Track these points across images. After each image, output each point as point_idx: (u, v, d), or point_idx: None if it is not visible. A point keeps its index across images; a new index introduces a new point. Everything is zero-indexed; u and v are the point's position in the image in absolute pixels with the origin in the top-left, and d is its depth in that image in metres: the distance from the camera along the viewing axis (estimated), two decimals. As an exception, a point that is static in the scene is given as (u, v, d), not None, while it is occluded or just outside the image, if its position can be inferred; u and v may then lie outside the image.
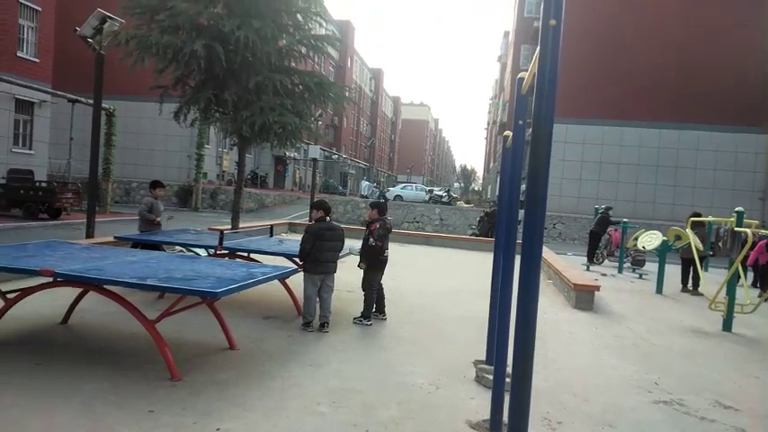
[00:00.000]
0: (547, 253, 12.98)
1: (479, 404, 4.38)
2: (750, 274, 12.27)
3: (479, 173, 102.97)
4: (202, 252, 7.74)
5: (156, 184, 8.59)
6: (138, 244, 7.77)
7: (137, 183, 29.16)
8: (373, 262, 6.73)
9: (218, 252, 7.30)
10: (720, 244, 20.14)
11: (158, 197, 8.51)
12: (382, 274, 6.95)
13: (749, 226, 8.63)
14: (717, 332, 7.91)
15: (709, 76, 26.20)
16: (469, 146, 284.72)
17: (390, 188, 45.68)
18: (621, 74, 27.23)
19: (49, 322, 5.79)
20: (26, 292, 5.07)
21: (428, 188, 46.82)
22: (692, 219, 10.94)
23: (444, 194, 39.92)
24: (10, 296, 5.06)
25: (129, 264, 5.39)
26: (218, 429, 3.64)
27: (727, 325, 7.99)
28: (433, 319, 7.37)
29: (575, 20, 23.34)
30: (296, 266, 6.35)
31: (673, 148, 27.49)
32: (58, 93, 21.70)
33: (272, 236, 9.27)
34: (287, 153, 41.37)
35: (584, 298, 8.69)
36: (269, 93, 10.70)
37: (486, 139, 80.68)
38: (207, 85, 10.89)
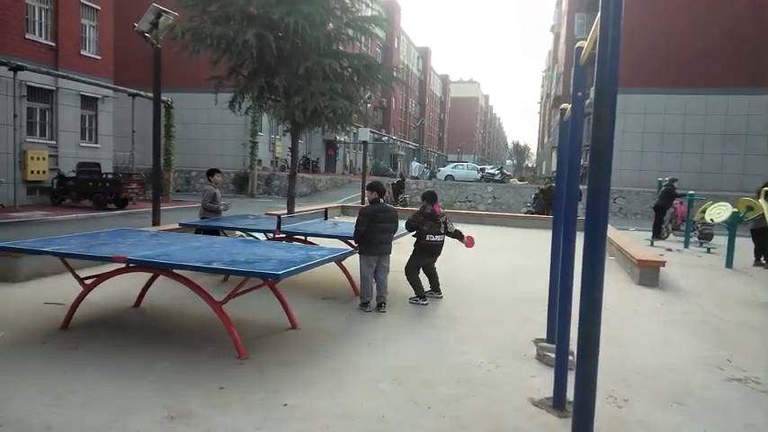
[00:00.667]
0: (608, 229, 12.56)
1: (541, 382, 4.33)
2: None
3: (533, 149, 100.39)
4: (261, 236, 7.97)
5: (213, 172, 8.85)
6: (200, 230, 8.08)
7: (196, 172, 30.19)
8: (420, 244, 6.78)
9: (276, 236, 7.49)
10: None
11: (217, 184, 8.78)
12: (431, 260, 6.97)
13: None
14: (795, 308, 7.46)
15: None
16: (522, 121, 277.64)
17: (441, 168, 45.28)
18: (685, 38, 25.68)
19: (123, 306, 6.13)
20: (101, 278, 5.39)
21: (480, 166, 46.08)
22: (766, 188, 10.29)
23: (497, 172, 39.22)
24: (87, 282, 5.39)
25: (194, 249, 5.62)
26: (284, 405, 3.78)
27: (806, 300, 7.52)
28: (489, 298, 7.31)
29: (632, -17, 22.17)
30: (351, 248, 6.44)
31: (742, 114, 25.79)
32: (119, 88, 22.67)
33: (326, 219, 9.41)
34: (337, 137, 41.72)
35: (648, 274, 8.38)
36: (319, 77, 10.80)
37: (540, 113, 78.43)
38: (259, 74, 11.09)
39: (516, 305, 6.94)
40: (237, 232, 8.59)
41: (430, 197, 7.00)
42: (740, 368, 4.94)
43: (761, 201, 9.87)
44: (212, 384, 4.07)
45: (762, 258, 10.82)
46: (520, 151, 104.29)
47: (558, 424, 3.65)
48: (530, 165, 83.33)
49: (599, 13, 2.82)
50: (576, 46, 3.94)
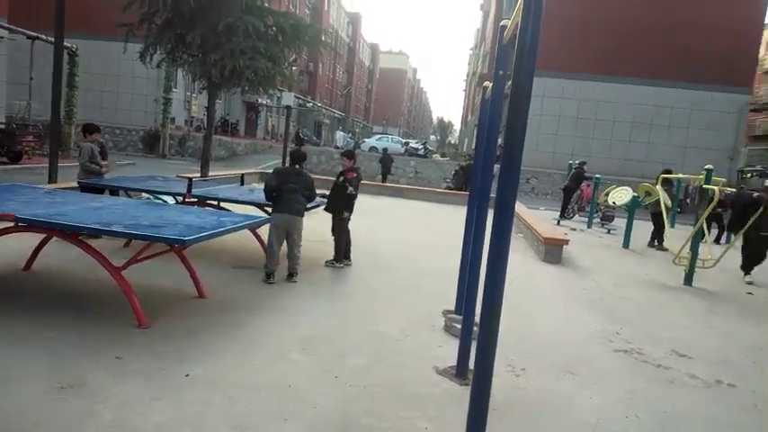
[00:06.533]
0: (519, 207, 13.11)
1: (447, 352, 4.47)
2: (714, 231, 12.64)
3: (456, 126, 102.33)
4: (170, 200, 7.57)
5: (92, 129, 7.71)
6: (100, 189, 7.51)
7: (101, 126, 28.06)
8: (349, 209, 6.93)
9: (186, 200, 7.14)
10: (688, 201, 20.69)
11: (95, 142, 7.66)
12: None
13: (717, 184, 8.81)
14: (678, 286, 8.18)
15: (693, 34, 26.04)
16: (447, 98, 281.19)
17: (366, 139, 45.13)
18: (602, 29, 26.88)
19: (11, 268, 5.64)
20: (-15, 237, 4.90)
21: (404, 140, 46.37)
22: (663, 176, 11.11)
23: (420, 147, 39.65)
24: (-32, 241, 4.88)
25: (93, 210, 5.24)
26: (186, 375, 3.64)
27: (688, 279, 8.26)
28: (405, 270, 7.43)
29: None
30: (267, 215, 6.28)
31: (649, 105, 27.58)
32: (17, 29, 20.43)
33: (242, 185, 9.10)
34: (259, 100, 40.32)
35: (552, 251, 8.85)
36: (240, 35, 10.24)
37: (465, 91, 79.79)
38: (173, 25, 10.35)
39: (430, 277, 7.10)
40: (143, 194, 8.10)
41: (355, 156, 7.30)
42: (627, 340, 5.36)
43: (658, 187, 10.66)
44: (109, 353, 3.85)
45: (655, 240, 11.74)
46: (444, 127, 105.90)
47: (460, 391, 3.79)
48: (452, 141, 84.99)
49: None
50: (501, 24, 3.98)
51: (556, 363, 4.60)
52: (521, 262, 8.43)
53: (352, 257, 7.23)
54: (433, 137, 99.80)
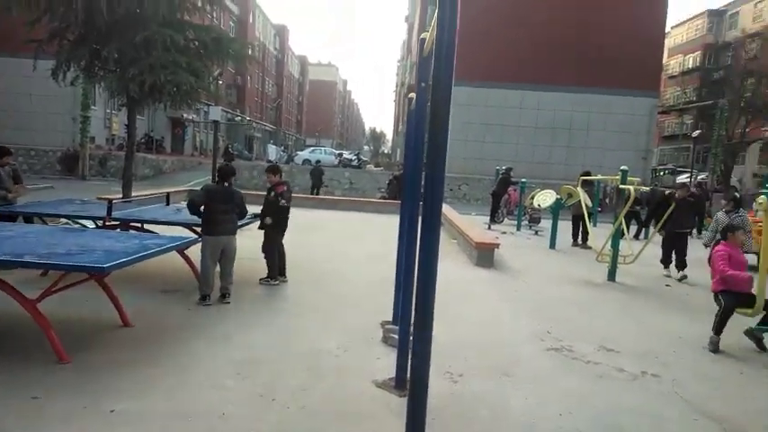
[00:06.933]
0: (451, 213, 13.38)
1: (386, 364, 4.46)
2: (633, 228, 13.41)
3: (389, 136, 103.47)
4: (90, 224, 7.16)
5: (0, 152, 7.23)
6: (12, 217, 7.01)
7: (13, 148, 26.30)
8: (280, 223, 6.84)
9: (107, 223, 6.78)
10: (607, 200, 21.85)
11: (6, 166, 7.24)
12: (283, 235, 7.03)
13: (632, 183, 9.36)
14: (603, 282, 8.59)
15: (604, 43, 27.68)
16: (379, 109, 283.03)
17: (299, 152, 44.72)
18: (521, 40, 28.11)
19: None
20: None
21: (338, 152, 46.34)
22: (583, 177, 11.69)
23: (354, 158, 39.76)
24: None
25: (3, 239, 4.87)
26: (111, 411, 3.44)
27: (611, 275, 8.70)
28: (342, 283, 7.38)
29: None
30: (195, 236, 6.06)
31: (567, 110, 29.03)
32: None
33: (168, 204, 8.74)
34: (184, 115, 39.11)
35: (484, 255, 9.08)
36: (159, 49, 9.87)
37: (395, 101, 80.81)
38: (87, 40, 9.84)
39: (368, 289, 7.09)
40: (62, 220, 7.62)
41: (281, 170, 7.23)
42: (557, 338, 5.55)
43: (578, 188, 11.19)
44: (24, 394, 3.58)
45: (578, 239, 12.30)
46: (376, 138, 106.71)
47: (399, 403, 3.78)
48: (386, 151, 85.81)
49: (436, 10, 2.90)
50: (420, 37, 4.06)
51: (491, 366, 4.70)
52: (454, 268, 8.58)
53: (287, 273, 7.11)
54: (366, 147, 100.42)
